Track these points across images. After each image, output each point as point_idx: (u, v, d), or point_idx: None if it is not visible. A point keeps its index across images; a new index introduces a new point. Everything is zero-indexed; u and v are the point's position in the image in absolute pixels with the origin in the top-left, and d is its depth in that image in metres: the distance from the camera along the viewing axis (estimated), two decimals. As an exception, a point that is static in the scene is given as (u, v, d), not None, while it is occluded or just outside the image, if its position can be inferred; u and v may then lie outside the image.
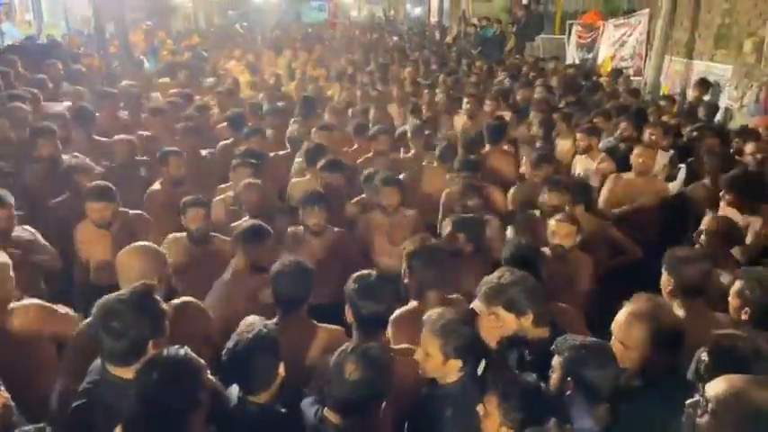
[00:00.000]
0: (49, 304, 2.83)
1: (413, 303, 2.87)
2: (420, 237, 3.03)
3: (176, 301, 2.77)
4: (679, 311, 2.70)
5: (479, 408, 2.08)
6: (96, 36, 9.70)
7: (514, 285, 2.44)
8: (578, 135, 5.36)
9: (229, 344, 2.21)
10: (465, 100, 7.02)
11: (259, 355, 2.16)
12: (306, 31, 20.75)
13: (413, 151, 5.55)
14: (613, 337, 2.34)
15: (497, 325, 2.45)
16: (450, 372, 2.31)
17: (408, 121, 6.39)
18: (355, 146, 5.78)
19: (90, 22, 12.20)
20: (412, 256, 2.88)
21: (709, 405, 1.58)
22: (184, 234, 3.69)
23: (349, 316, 2.58)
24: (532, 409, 1.98)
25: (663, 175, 5.19)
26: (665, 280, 2.82)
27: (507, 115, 6.84)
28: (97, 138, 5.57)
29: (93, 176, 4.25)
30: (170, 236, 3.70)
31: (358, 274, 2.60)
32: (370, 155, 5.35)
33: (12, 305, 2.72)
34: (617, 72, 10.08)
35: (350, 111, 7.47)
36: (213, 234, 3.77)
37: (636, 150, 4.73)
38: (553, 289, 3.01)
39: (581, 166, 5.30)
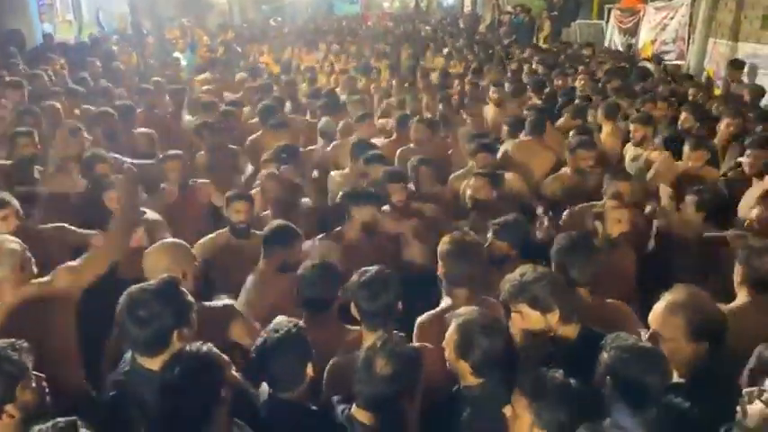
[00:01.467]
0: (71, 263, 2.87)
1: (445, 301, 2.79)
2: (455, 234, 2.93)
3: (214, 303, 2.78)
4: (741, 302, 2.65)
5: (506, 409, 2.00)
6: (133, 34, 9.86)
7: (538, 282, 2.36)
8: (632, 126, 5.15)
9: (258, 342, 2.21)
10: (492, 89, 6.90)
11: (287, 353, 2.15)
12: (339, 24, 20.78)
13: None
14: (651, 330, 2.25)
15: (523, 323, 2.38)
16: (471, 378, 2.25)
17: (439, 112, 6.31)
18: (394, 136, 5.72)
19: (126, 20, 12.45)
20: (444, 252, 2.80)
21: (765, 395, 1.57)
22: (219, 232, 3.72)
23: (354, 311, 2.55)
24: (566, 409, 1.90)
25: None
26: (737, 270, 2.74)
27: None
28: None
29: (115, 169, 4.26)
30: (207, 237, 3.72)
31: (361, 270, 2.56)
32: (409, 146, 5.26)
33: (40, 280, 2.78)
34: (657, 58, 9.76)
35: (384, 102, 7.46)
36: (253, 231, 3.75)
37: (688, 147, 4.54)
38: (604, 282, 2.89)
39: (631, 154, 5.12)
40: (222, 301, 2.90)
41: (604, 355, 2.06)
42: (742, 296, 2.73)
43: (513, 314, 2.41)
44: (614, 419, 1.95)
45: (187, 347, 2.02)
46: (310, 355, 2.20)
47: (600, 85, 7.55)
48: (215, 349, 2.03)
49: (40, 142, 4.67)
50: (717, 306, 2.31)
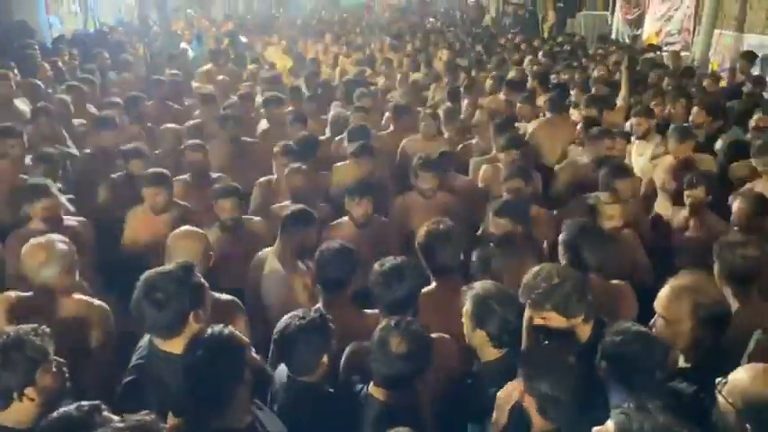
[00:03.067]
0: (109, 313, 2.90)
1: (432, 285, 2.88)
2: (435, 220, 3.01)
3: (220, 294, 2.83)
4: (732, 300, 2.63)
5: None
6: (140, 25, 9.90)
7: (563, 287, 2.30)
8: (634, 119, 5.17)
9: (281, 325, 2.29)
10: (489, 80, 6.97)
11: (309, 341, 2.22)
12: (342, 16, 20.74)
13: (446, 135, 5.54)
14: (656, 315, 2.32)
15: (545, 323, 2.37)
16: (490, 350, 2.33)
17: (443, 105, 6.35)
18: (391, 128, 5.78)
19: (133, 12, 12.47)
20: (424, 238, 2.89)
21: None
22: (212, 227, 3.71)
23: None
24: (558, 384, 1.95)
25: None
26: (716, 267, 2.74)
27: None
28: (150, 126, 5.75)
29: (145, 162, 4.36)
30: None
31: (381, 260, 2.62)
32: (413, 138, 5.31)
33: (80, 297, 2.82)
34: (652, 47, 9.73)
35: (389, 95, 7.48)
36: (245, 217, 3.82)
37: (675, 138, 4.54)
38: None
39: (637, 151, 5.14)
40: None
41: (603, 341, 2.15)
42: (728, 295, 2.67)
43: (536, 318, 2.37)
44: (613, 402, 2.01)
45: (209, 330, 2.10)
46: (329, 346, 2.27)
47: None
48: (236, 331, 2.11)
49: (51, 136, 4.75)
50: (720, 290, 2.38)
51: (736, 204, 3.46)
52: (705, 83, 7.23)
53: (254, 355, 2.22)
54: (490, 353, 2.32)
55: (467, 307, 2.35)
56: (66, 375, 2.10)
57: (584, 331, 2.37)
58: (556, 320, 2.32)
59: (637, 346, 2.08)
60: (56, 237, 2.85)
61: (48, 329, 2.08)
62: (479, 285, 2.41)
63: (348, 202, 3.73)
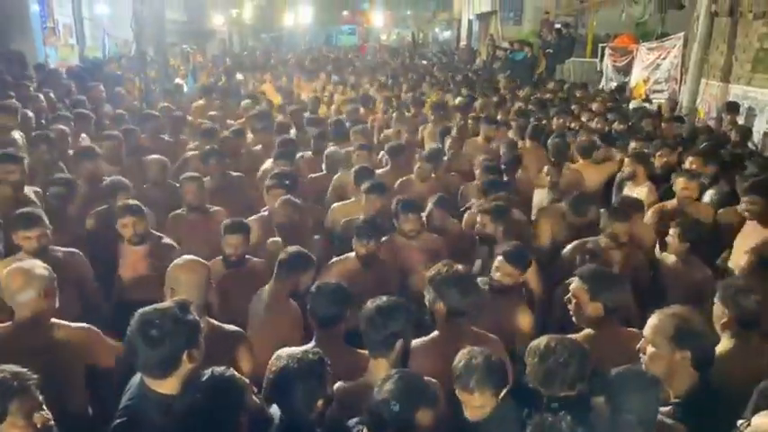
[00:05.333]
0: (98, 331, 2.92)
1: (434, 333, 2.79)
2: (446, 262, 2.93)
3: (225, 325, 2.81)
4: (728, 343, 2.68)
5: None
6: (137, 59, 9.98)
7: (567, 368, 2.26)
8: (626, 160, 5.31)
9: (278, 365, 2.24)
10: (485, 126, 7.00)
11: (305, 385, 2.16)
12: (336, 55, 21.12)
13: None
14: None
15: None
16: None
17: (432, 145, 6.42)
18: (388, 167, 5.81)
19: (130, 46, 12.59)
20: (436, 282, 2.79)
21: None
22: (217, 258, 3.74)
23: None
24: None
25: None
26: (719, 311, 2.76)
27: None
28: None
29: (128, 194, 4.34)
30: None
31: (373, 298, 2.58)
32: (409, 177, 5.35)
33: (60, 322, 2.81)
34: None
35: (383, 133, 7.56)
36: (248, 257, 3.82)
37: (680, 181, 4.65)
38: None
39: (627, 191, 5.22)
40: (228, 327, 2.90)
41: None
42: (726, 338, 2.74)
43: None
44: None
45: (209, 371, 2.04)
46: (325, 392, 2.21)
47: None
48: (236, 374, 2.05)
49: (50, 165, 4.73)
50: (703, 319, 2.44)
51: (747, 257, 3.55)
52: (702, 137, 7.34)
53: (255, 398, 2.16)
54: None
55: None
56: (53, 426, 2.02)
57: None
58: None
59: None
60: (36, 262, 2.82)
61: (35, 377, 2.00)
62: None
63: (356, 242, 3.71)
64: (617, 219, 3.86)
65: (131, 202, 3.95)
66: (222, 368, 2.05)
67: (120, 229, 3.82)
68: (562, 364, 2.24)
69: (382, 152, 6.20)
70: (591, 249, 3.78)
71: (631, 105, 10.45)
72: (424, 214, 4.25)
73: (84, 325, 2.90)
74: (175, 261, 2.94)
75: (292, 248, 3.33)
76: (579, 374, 2.26)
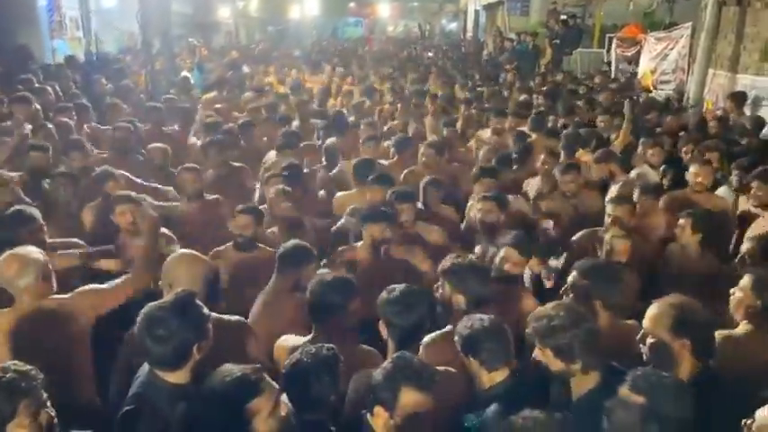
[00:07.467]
0: (92, 287, 2.94)
1: (449, 327, 2.77)
2: (458, 255, 2.94)
3: (227, 316, 2.81)
4: (748, 329, 2.73)
5: None
6: (143, 52, 10.00)
7: (567, 330, 2.25)
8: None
9: (291, 361, 2.23)
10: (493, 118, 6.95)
11: (319, 381, 2.17)
12: (343, 47, 21.06)
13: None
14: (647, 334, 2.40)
15: (543, 359, 2.35)
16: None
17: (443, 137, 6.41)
18: (395, 158, 5.81)
19: (136, 39, 12.63)
20: (451, 273, 2.79)
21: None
22: (228, 244, 3.77)
23: (383, 330, 2.57)
24: None
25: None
26: (748, 299, 2.75)
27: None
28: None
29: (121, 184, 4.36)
30: (214, 250, 3.77)
31: (389, 287, 2.59)
32: (414, 168, 5.34)
33: (56, 297, 2.82)
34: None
35: (387, 125, 7.56)
36: (260, 245, 3.81)
37: (693, 168, 4.66)
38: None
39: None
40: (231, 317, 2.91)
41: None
42: (745, 324, 2.77)
43: (537, 350, 2.36)
44: None
45: (239, 371, 2.06)
46: (338, 387, 2.22)
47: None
48: (247, 368, 2.08)
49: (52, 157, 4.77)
50: (703, 308, 2.42)
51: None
52: (711, 124, 7.29)
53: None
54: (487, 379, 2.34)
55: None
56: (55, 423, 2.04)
57: (587, 382, 2.31)
58: (553, 360, 2.29)
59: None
60: (30, 247, 2.83)
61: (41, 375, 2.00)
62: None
63: (368, 227, 3.66)
64: (621, 203, 3.90)
65: (127, 192, 3.96)
66: (231, 365, 2.08)
67: (118, 218, 3.82)
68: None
69: (388, 142, 6.22)
70: (600, 239, 3.77)
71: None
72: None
73: (79, 290, 2.90)
74: (171, 255, 2.93)
75: (291, 242, 3.29)
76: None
